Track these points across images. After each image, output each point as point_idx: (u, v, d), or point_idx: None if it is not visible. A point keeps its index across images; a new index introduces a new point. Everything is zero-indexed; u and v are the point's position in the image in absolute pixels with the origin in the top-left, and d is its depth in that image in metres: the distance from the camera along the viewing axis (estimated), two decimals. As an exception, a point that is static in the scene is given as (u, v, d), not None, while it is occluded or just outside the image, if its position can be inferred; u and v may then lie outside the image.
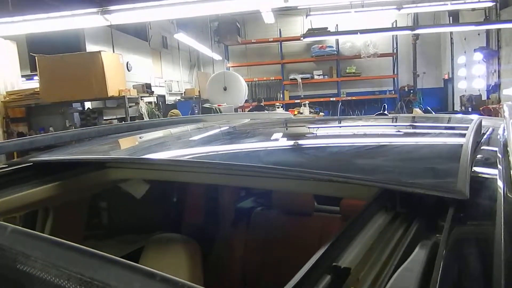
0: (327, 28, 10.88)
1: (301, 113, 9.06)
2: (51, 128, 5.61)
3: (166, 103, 10.07)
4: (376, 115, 3.43)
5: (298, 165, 0.96)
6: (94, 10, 4.56)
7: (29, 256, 0.50)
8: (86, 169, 1.24)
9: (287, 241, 1.70)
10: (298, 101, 11.22)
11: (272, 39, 12.08)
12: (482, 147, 1.05)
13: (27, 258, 0.49)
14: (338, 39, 11.73)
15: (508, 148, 0.92)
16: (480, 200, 0.68)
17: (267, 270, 1.68)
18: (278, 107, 10.33)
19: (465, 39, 9.47)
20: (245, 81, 10.39)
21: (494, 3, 7.20)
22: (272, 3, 5.15)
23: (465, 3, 7.17)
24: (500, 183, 0.73)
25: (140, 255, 1.23)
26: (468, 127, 1.12)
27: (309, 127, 1.92)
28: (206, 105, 8.73)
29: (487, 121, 1.62)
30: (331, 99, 12.13)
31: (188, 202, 1.95)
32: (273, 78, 12.53)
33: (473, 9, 8.50)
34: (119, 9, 4.52)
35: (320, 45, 12.01)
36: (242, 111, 9.34)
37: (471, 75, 9.34)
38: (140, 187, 1.51)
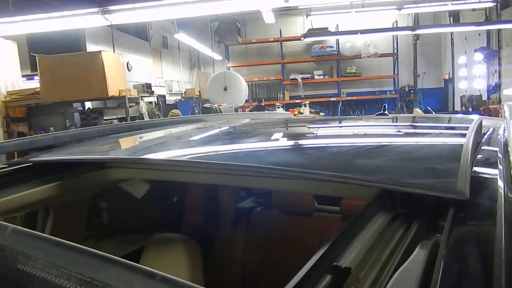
0: (327, 28, 10.88)
1: (302, 113, 9.05)
2: (51, 128, 5.61)
3: (167, 103, 10.07)
4: (376, 115, 3.43)
5: (298, 165, 0.96)
6: (95, 10, 4.56)
7: (30, 256, 0.50)
8: (86, 169, 1.24)
9: (287, 241, 1.69)
10: (299, 101, 11.22)
11: (272, 39, 12.08)
12: (482, 147, 1.04)
13: (27, 258, 0.49)
14: (338, 39, 11.73)
15: (508, 148, 0.92)
16: (480, 200, 0.68)
17: (267, 270, 1.68)
18: (278, 107, 10.32)
19: (465, 39, 9.47)
20: (246, 81, 10.39)
21: (495, 4, 7.20)
22: (273, 3, 5.15)
23: (465, 3, 7.17)
24: (500, 183, 0.73)
25: (140, 255, 1.23)
26: (468, 127, 1.12)
27: (309, 127, 1.92)
28: (207, 105, 8.74)
29: (487, 121, 1.62)
30: (332, 99, 12.13)
31: (188, 202, 1.95)
32: (273, 78, 12.53)
33: (474, 10, 8.49)
34: (119, 9, 4.52)
35: (321, 45, 12.01)
36: (243, 111, 9.34)
37: (472, 75, 9.34)
38: (140, 187, 1.51)
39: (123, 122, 5.39)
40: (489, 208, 0.64)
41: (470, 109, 8.33)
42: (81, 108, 6.31)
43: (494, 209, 0.62)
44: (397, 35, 11.77)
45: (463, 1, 7.13)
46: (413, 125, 1.92)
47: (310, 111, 9.56)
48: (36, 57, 5.56)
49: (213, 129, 1.87)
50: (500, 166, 0.83)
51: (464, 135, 1.01)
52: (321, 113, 9.92)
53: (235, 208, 1.99)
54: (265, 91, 12.75)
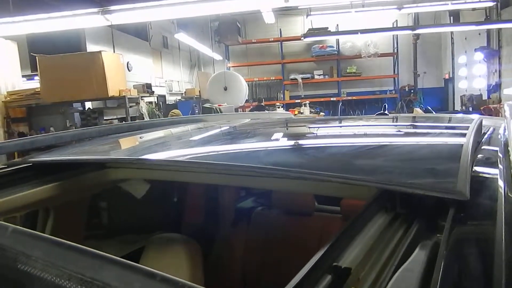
0: (327, 28, 10.88)
1: (302, 113, 9.05)
2: (51, 128, 5.62)
3: (167, 103, 10.08)
4: (376, 115, 3.43)
5: (298, 165, 0.96)
6: (95, 10, 4.56)
7: (30, 256, 0.50)
8: (86, 169, 1.24)
9: (288, 241, 1.69)
10: (299, 101, 11.22)
11: (272, 39, 12.08)
12: (483, 147, 1.04)
13: (28, 258, 0.49)
14: (338, 39, 11.73)
15: (509, 148, 0.92)
16: (481, 200, 0.68)
17: (268, 270, 1.68)
18: (278, 107, 10.32)
19: (465, 38, 9.46)
20: (246, 81, 10.39)
21: (495, 3, 7.20)
22: (273, 3, 5.15)
23: (465, 2, 7.17)
24: (501, 183, 0.73)
25: (140, 255, 1.23)
26: (468, 127, 1.12)
27: (309, 127, 1.92)
28: (207, 105, 8.74)
29: (487, 121, 1.62)
30: (332, 99, 12.13)
31: (188, 202, 1.95)
32: (273, 78, 12.53)
33: (474, 9, 8.49)
34: (119, 9, 4.53)
35: (321, 45, 12.01)
36: (243, 111, 9.33)
37: (472, 74, 9.33)
38: (140, 187, 1.51)
39: (123, 122, 5.40)
40: (490, 208, 0.64)
41: (470, 109, 8.33)
42: (81, 108, 6.31)
43: (495, 209, 0.62)
44: (397, 35, 11.77)
45: (463, 1, 7.13)
46: (413, 125, 1.92)
47: (310, 111, 9.55)
48: (36, 57, 5.56)
49: (213, 129, 1.87)
50: (500, 166, 0.83)
51: (464, 135, 1.00)
52: (321, 113, 9.91)
53: (235, 208, 1.99)
54: (265, 91, 12.75)
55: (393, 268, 0.54)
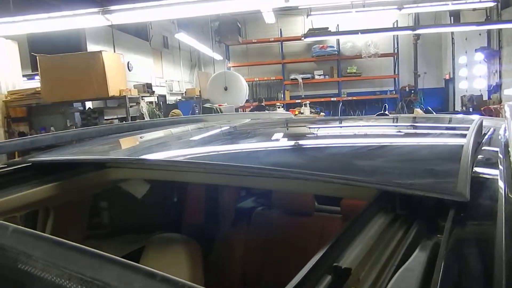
0: (328, 28, 10.88)
1: (302, 113, 9.05)
2: (52, 128, 5.62)
3: (167, 103, 10.08)
4: (377, 115, 3.43)
5: (298, 166, 0.96)
6: (95, 10, 4.57)
7: (30, 256, 0.50)
8: (87, 169, 1.24)
9: (288, 241, 1.69)
10: (299, 101, 11.22)
11: (273, 39, 12.08)
12: (483, 148, 1.04)
13: (28, 258, 0.50)
14: (339, 39, 11.73)
15: (509, 149, 0.92)
16: (481, 200, 0.68)
17: (268, 270, 1.68)
18: (279, 107, 10.33)
19: (466, 39, 9.46)
20: (246, 81, 10.39)
21: (495, 3, 7.19)
22: (273, 3, 5.15)
23: (466, 3, 7.16)
24: (501, 184, 0.73)
25: (140, 255, 1.23)
26: (469, 127, 1.12)
27: (309, 128, 1.92)
28: (207, 105, 8.74)
29: (488, 121, 1.62)
30: (332, 99, 12.13)
31: (189, 202, 1.95)
32: (274, 78, 12.53)
33: (474, 9, 8.49)
34: (120, 9, 4.53)
35: (321, 45, 12.01)
36: (243, 111, 9.34)
37: (472, 75, 9.33)
38: (141, 187, 1.51)
39: (124, 122, 5.40)
40: (490, 209, 0.64)
41: (471, 109, 8.33)
42: (81, 108, 6.31)
43: (495, 209, 0.62)
44: (397, 35, 11.77)
45: (463, 1, 7.13)
46: (413, 125, 1.92)
47: (310, 111, 9.55)
48: (37, 57, 5.56)
49: (214, 129, 1.87)
50: (500, 167, 0.83)
51: (464, 136, 1.00)
52: (321, 113, 9.91)
53: (235, 208, 1.99)
54: (266, 91, 12.75)
55: (393, 269, 0.54)
